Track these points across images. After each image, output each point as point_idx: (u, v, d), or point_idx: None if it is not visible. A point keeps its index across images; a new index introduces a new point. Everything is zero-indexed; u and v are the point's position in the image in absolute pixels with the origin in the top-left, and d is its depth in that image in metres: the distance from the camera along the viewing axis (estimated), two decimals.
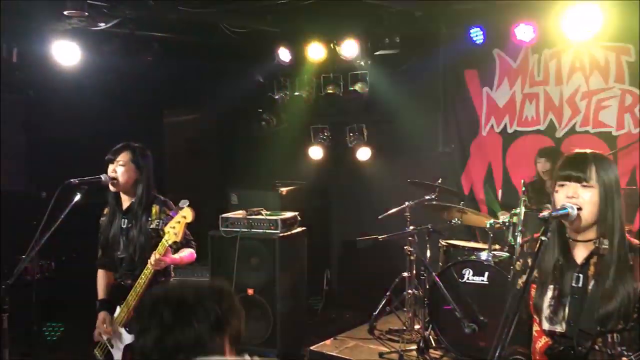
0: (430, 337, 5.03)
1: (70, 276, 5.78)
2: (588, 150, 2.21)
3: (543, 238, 2.04)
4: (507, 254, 4.91)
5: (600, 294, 2.08)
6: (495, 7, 5.35)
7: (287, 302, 5.46)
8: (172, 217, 3.39)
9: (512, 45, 5.58)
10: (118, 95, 6.22)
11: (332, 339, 5.50)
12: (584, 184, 2.11)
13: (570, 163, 2.15)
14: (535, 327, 2.23)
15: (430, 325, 5.00)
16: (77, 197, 3.40)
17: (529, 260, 2.26)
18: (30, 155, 5.66)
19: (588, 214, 2.10)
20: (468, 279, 4.79)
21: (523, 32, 5.27)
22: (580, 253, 2.18)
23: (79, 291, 5.73)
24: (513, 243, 4.78)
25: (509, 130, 5.95)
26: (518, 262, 2.34)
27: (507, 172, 6.01)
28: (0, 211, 5.36)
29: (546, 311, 2.16)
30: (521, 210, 4.61)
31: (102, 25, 5.30)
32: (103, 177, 3.55)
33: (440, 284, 4.80)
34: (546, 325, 2.17)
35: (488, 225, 4.93)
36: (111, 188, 3.60)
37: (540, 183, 5.46)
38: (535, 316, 2.22)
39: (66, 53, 5.44)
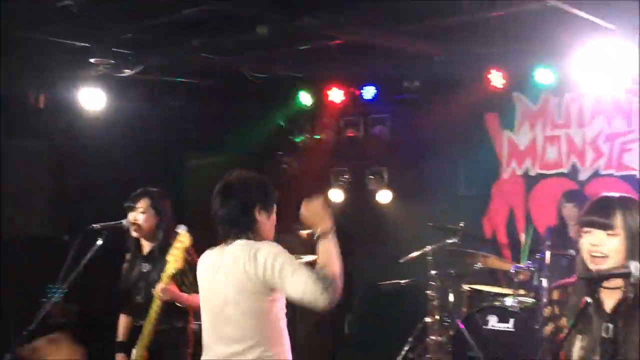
0: None
1: (92, 319, 5.80)
2: (615, 194, 2.14)
3: (589, 300, 1.95)
4: (533, 300, 4.80)
5: (631, 344, 2.00)
6: (515, 51, 5.38)
7: (306, 348, 5.38)
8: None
9: (532, 88, 5.59)
10: (141, 139, 6.33)
11: None
12: (609, 232, 2.04)
13: (594, 209, 2.09)
14: None
15: None
16: (99, 242, 3.43)
17: (556, 309, 2.21)
18: (55, 200, 5.74)
19: (614, 263, 2.03)
20: (493, 325, 4.68)
21: (543, 75, 5.28)
22: (608, 301, 2.10)
23: (100, 335, 5.75)
24: (539, 289, 4.68)
25: (531, 173, 5.91)
26: (547, 309, 2.27)
27: (529, 216, 5.94)
28: (27, 256, 5.42)
29: None
30: (546, 255, 4.53)
31: (127, 72, 5.44)
32: (124, 222, 3.60)
33: (465, 330, 4.69)
34: None
35: (513, 270, 4.84)
36: (133, 234, 3.64)
37: (564, 227, 5.37)
38: None
39: (92, 99, 5.57)
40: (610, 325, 2.04)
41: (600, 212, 2.06)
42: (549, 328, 2.22)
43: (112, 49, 4.60)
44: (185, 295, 3.51)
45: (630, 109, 5.37)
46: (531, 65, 5.28)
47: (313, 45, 5.32)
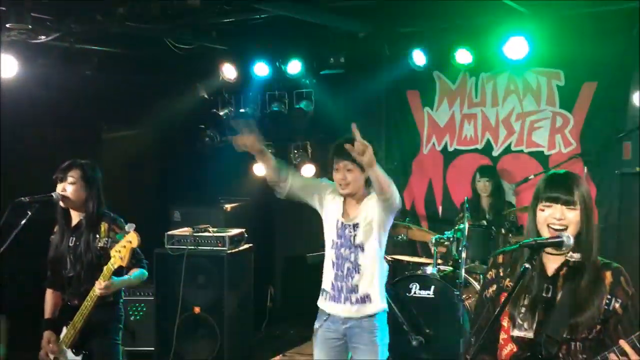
0: None
1: (5, 296, 5.54)
2: (567, 171, 2.38)
3: (527, 266, 2.14)
4: (451, 268, 5.10)
5: (571, 304, 2.22)
6: (436, 32, 5.59)
7: (234, 320, 5.43)
8: (118, 240, 3.37)
9: (451, 67, 5.85)
10: (55, 109, 6.03)
11: (280, 355, 5.52)
12: (570, 206, 2.24)
13: (556, 185, 2.27)
14: (503, 335, 2.35)
15: None
16: (28, 215, 3.31)
17: (501, 271, 2.42)
18: None
19: (571, 232, 2.24)
20: (415, 292, 4.93)
21: (462, 55, 5.53)
22: (550, 265, 2.32)
23: (16, 312, 5.51)
24: (457, 257, 4.96)
25: (449, 149, 6.20)
26: (490, 272, 2.46)
27: (447, 189, 6.26)
28: None
29: (518, 320, 2.28)
30: (465, 226, 4.81)
31: (43, 38, 5.16)
32: (54, 194, 3.50)
33: (388, 298, 4.90)
34: (515, 332, 2.30)
35: (433, 241, 5.10)
36: (62, 205, 3.54)
37: (477, 199, 5.72)
38: (503, 323, 2.34)
39: (3, 65, 5.25)
40: (551, 286, 2.27)
41: (562, 189, 2.26)
42: (492, 289, 2.42)
43: (30, 14, 4.33)
44: (125, 279, 3.49)
45: (539, 90, 5.75)
46: (451, 46, 5.50)
47: (239, 18, 5.29)
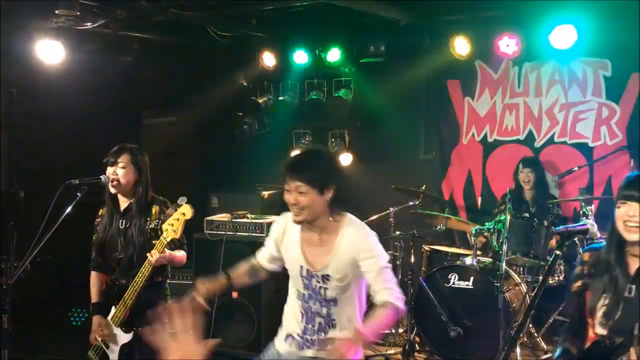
0: (415, 340, 5.12)
1: (45, 277, 5.68)
2: None
3: (558, 252, 2.27)
4: (491, 260, 5.04)
5: None
6: (479, 20, 5.50)
7: (271, 306, 5.47)
8: (170, 215, 3.40)
9: (494, 57, 5.75)
10: (98, 95, 6.14)
11: None
12: None
13: (632, 184, 2.34)
14: (591, 331, 2.41)
15: (415, 329, 5.09)
16: (78, 197, 3.39)
17: (586, 268, 2.46)
18: (10, 154, 5.54)
19: None
20: (454, 283, 4.90)
21: (506, 44, 5.43)
22: (633, 265, 2.35)
23: (53, 293, 5.64)
24: (497, 249, 4.90)
25: (489, 140, 6.12)
26: (578, 268, 2.51)
27: (486, 180, 6.17)
28: None
29: (600, 317, 2.33)
30: (506, 217, 4.74)
31: (89, 25, 5.24)
32: (103, 177, 3.55)
33: (427, 287, 4.89)
34: (599, 330, 2.34)
35: (473, 232, 5.05)
36: (112, 190, 3.59)
37: (520, 191, 5.62)
38: (589, 320, 2.39)
39: (50, 52, 5.36)
40: (633, 287, 2.30)
41: (637, 188, 2.31)
42: (577, 284, 2.47)
43: (79, 0, 4.41)
44: (175, 255, 3.52)
45: (585, 80, 5.62)
46: (495, 34, 5.40)
47: (280, 6, 5.28)
